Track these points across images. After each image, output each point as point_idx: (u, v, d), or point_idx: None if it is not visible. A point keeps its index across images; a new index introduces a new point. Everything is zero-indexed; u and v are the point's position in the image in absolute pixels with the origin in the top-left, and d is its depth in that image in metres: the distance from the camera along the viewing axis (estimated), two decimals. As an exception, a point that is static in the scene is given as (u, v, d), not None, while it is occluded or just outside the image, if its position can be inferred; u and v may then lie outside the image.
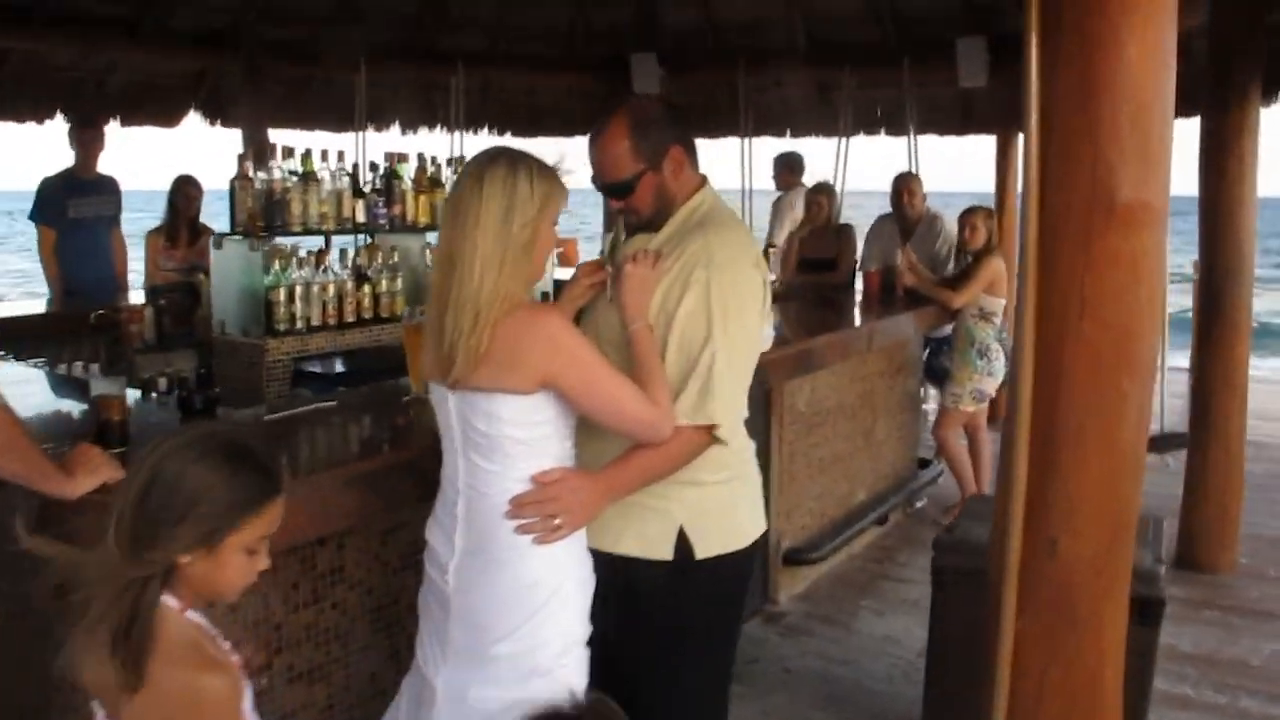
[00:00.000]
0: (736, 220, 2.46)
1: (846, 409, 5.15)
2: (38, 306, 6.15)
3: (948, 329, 5.83)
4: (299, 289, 4.52)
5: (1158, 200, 1.84)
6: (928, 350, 6.27)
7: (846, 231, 6.46)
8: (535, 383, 2.07)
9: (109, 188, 6.35)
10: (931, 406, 7.29)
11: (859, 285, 6.22)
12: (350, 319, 4.73)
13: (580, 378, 2.09)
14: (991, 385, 5.63)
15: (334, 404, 2.97)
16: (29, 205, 6.21)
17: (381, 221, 4.82)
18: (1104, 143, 1.78)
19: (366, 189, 4.79)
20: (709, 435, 2.24)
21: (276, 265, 4.33)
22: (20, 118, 7.58)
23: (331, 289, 4.65)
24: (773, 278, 6.79)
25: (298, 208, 4.50)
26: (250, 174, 4.33)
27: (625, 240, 2.52)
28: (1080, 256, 1.83)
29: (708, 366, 2.23)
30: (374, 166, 4.89)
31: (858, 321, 5.27)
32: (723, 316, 2.25)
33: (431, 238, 5.36)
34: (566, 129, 10.02)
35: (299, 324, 4.48)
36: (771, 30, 8.68)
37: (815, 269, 6.38)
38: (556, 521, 2.13)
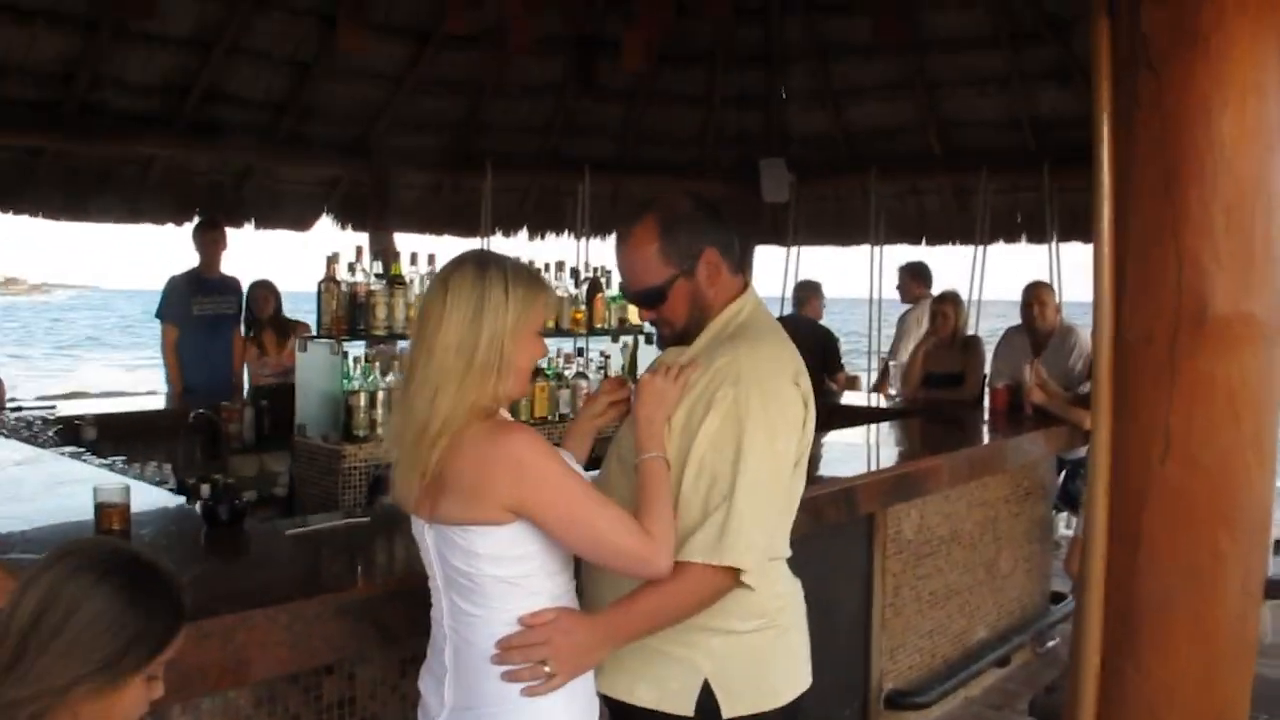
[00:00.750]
0: (777, 331, 2.19)
1: (964, 537, 4.70)
2: (156, 404, 6.25)
3: (1083, 450, 5.33)
4: (380, 394, 4.42)
5: (1264, 311, 1.48)
6: (1063, 474, 5.75)
7: (974, 344, 6.05)
8: (506, 511, 1.83)
9: (231, 287, 6.47)
10: (1067, 534, 6.72)
11: (988, 403, 5.80)
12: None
13: (552, 504, 1.82)
14: (1132, 515, 5.09)
15: (366, 520, 2.77)
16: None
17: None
18: (1191, 242, 1.44)
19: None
20: (730, 577, 1.94)
21: (360, 369, 4.21)
22: (161, 220, 7.86)
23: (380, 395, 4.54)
24: (894, 392, 6.45)
25: (382, 311, 4.41)
26: (336, 277, 4.25)
27: (661, 355, 2.28)
28: (1164, 383, 1.47)
29: (728, 498, 1.94)
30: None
31: (984, 441, 4.85)
32: (751, 441, 1.97)
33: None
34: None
35: (380, 430, 4.36)
36: (905, 135, 8.43)
37: (941, 384, 5.98)
38: (547, 669, 1.85)
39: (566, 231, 9.50)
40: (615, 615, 1.94)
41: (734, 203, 9.35)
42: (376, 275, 4.41)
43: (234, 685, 2.05)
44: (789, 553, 2.21)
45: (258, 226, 8.49)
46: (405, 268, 4.48)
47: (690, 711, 2.03)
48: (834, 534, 3.73)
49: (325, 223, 8.96)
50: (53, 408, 5.29)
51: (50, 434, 4.55)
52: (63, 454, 3.98)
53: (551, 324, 4.53)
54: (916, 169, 8.49)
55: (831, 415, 5.71)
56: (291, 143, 7.84)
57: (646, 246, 2.10)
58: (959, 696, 4.61)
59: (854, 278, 9.93)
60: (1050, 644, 5.41)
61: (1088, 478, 1.55)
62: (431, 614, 1.99)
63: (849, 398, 6.78)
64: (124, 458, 4.15)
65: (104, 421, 4.99)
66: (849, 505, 3.48)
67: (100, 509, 2.33)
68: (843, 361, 7.52)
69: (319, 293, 4.27)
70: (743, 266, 2.23)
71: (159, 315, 6.38)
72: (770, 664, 2.11)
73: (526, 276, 1.91)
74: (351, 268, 4.30)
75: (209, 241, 6.37)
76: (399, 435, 1.88)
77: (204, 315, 6.30)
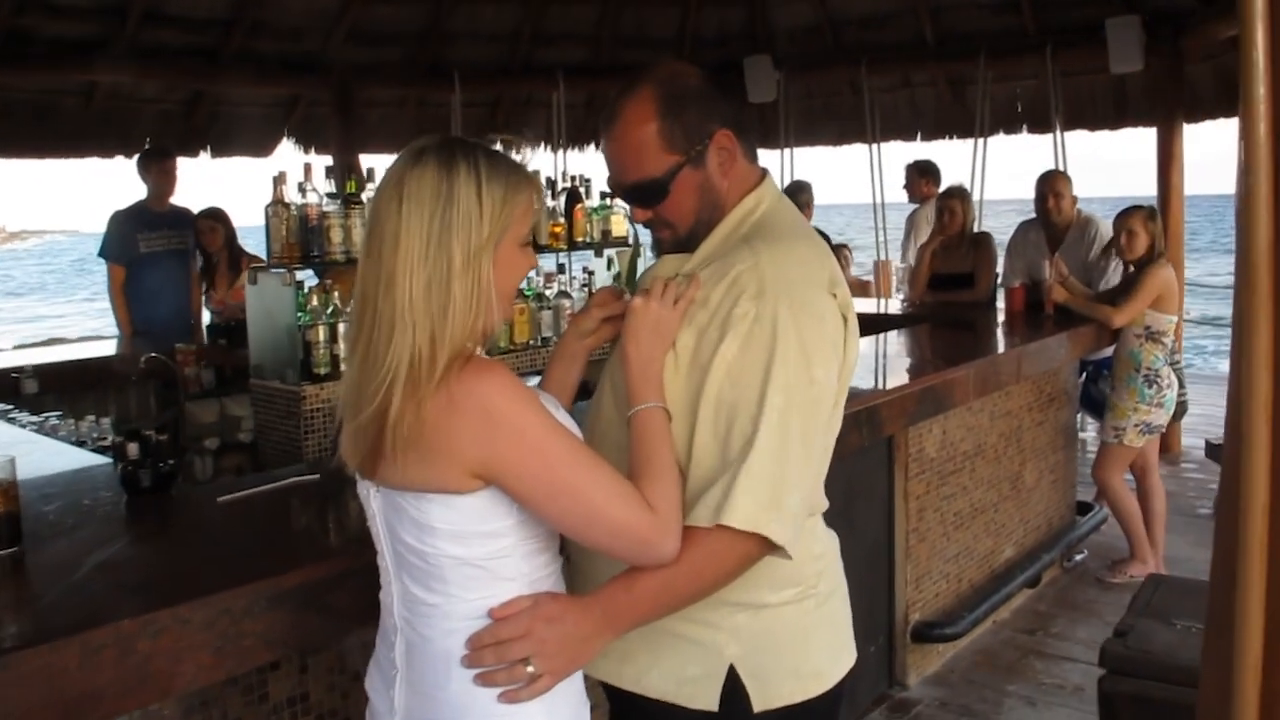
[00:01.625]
0: (804, 229, 1.74)
1: (988, 451, 4.33)
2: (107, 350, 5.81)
3: (1107, 351, 4.95)
4: (342, 327, 4.00)
5: None
6: (1083, 376, 5.37)
7: (985, 242, 5.61)
8: (471, 476, 1.41)
9: (184, 220, 5.94)
10: (1090, 435, 6.37)
11: (1000, 303, 5.39)
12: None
13: (531, 467, 1.40)
14: (1161, 417, 4.73)
15: (315, 478, 2.37)
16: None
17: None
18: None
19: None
20: (759, 543, 1.52)
21: (317, 299, 3.77)
22: (108, 153, 7.35)
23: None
24: (900, 297, 6.02)
25: (338, 234, 3.95)
26: (285, 199, 3.79)
27: (652, 264, 1.85)
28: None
29: (750, 443, 1.52)
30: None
31: (1000, 347, 4.45)
32: (780, 369, 1.54)
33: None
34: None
35: (344, 366, 3.94)
36: (895, 23, 7.88)
37: (950, 286, 5.56)
38: (530, 669, 1.46)
39: (541, 144, 8.99)
40: (614, 595, 1.53)
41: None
42: (329, 195, 3.97)
43: (141, 706, 1.66)
44: (826, 504, 1.82)
45: (214, 155, 7.99)
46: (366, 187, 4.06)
47: (714, 705, 1.64)
48: (852, 457, 3.34)
49: (286, 147, 8.43)
50: (-10, 357, 4.89)
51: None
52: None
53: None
54: (909, 59, 7.95)
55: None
56: (241, 62, 7.30)
57: (643, 127, 1.64)
58: (988, 621, 4.28)
59: (851, 179, 9.48)
60: (1078, 557, 5.08)
61: (1229, 408, 1.15)
62: (381, 598, 1.59)
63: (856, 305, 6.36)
64: (59, 413, 3.74)
65: (47, 372, 4.56)
66: (872, 427, 3.09)
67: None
68: (844, 265, 7.10)
69: (266, 218, 3.81)
70: (755, 151, 1.80)
71: (102, 254, 5.90)
72: (810, 640, 1.72)
73: (505, 169, 1.46)
74: (301, 188, 3.83)
75: (157, 172, 5.86)
76: (352, 384, 1.47)
77: (153, 252, 5.82)
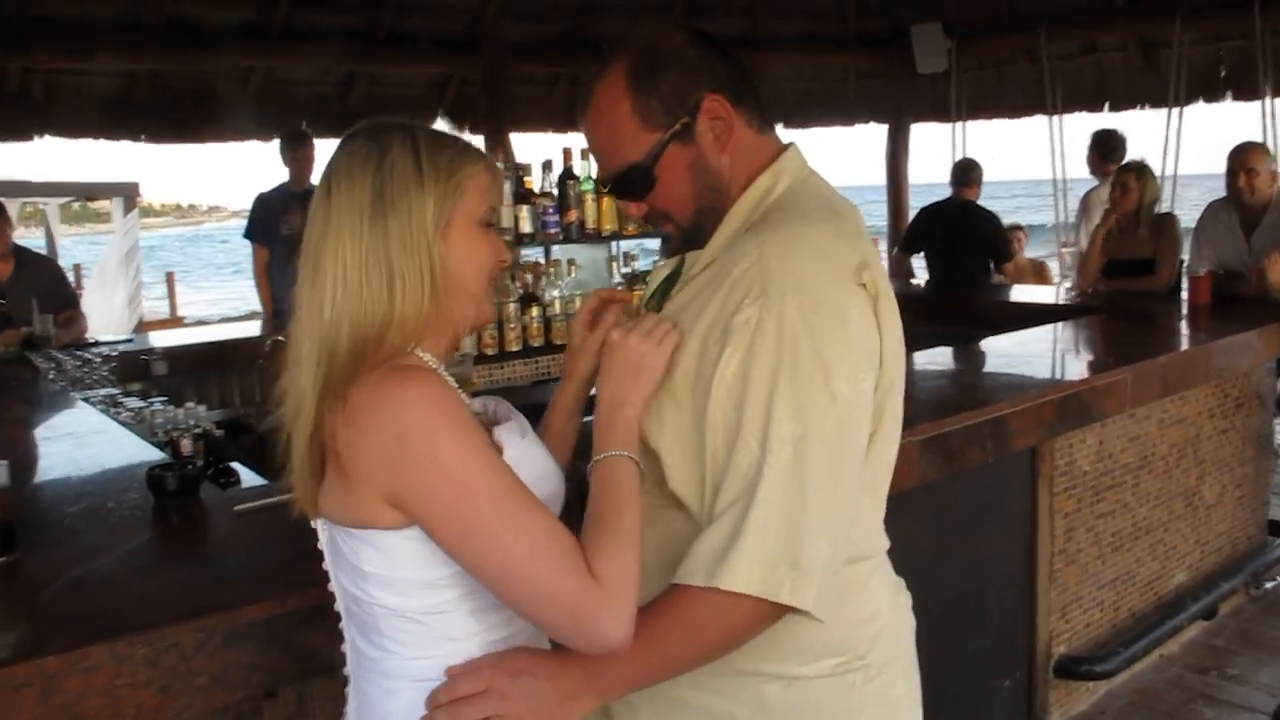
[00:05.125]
0: (827, 208, 1.41)
1: (1156, 463, 3.81)
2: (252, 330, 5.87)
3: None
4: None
5: None
6: (1282, 376, 4.73)
7: (1167, 224, 5.00)
8: (389, 508, 1.17)
9: (322, 203, 5.98)
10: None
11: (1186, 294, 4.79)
12: (514, 348, 4.01)
13: (440, 499, 1.15)
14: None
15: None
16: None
17: (553, 231, 4.04)
18: None
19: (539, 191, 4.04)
20: (771, 605, 1.22)
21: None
22: (266, 136, 7.47)
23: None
24: (1068, 285, 5.46)
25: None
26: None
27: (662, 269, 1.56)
28: None
29: (752, 487, 1.22)
30: (547, 166, 4.11)
31: (1184, 344, 3.92)
32: (790, 387, 1.23)
33: (623, 246, 4.55)
34: (844, 117, 8.96)
35: (456, 355, 3.79)
36: (1079, -17, 7.22)
37: (1126, 273, 4.99)
38: None
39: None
40: (613, 671, 1.26)
41: (885, 78, 8.39)
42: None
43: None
44: (884, 543, 1.50)
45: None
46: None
47: None
48: (982, 470, 2.95)
49: (441, 125, 8.43)
50: (129, 340, 4.96)
51: (103, 372, 4.15)
52: (95, 397, 3.54)
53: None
54: (1094, 23, 7.28)
55: (992, 317, 4.85)
56: (392, 42, 7.30)
57: (616, 105, 1.38)
58: (1152, 656, 3.78)
59: (1032, 154, 8.84)
60: (1269, 585, 4.47)
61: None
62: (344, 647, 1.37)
63: (1018, 293, 5.82)
64: (164, 398, 3.70)
65: (179, 354, 4.58)
66: (997, 440, 2.69)
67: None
68: (1014, 248, 6.55)
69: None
70: (770, 123, 1.48)
71: (247, 235, 5.98)
72: None
73: (450, 145, 1.27)
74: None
75: (296, 157, 5.90)
76: (289, 394, 1.24)
77: (293, 234, 5.85)
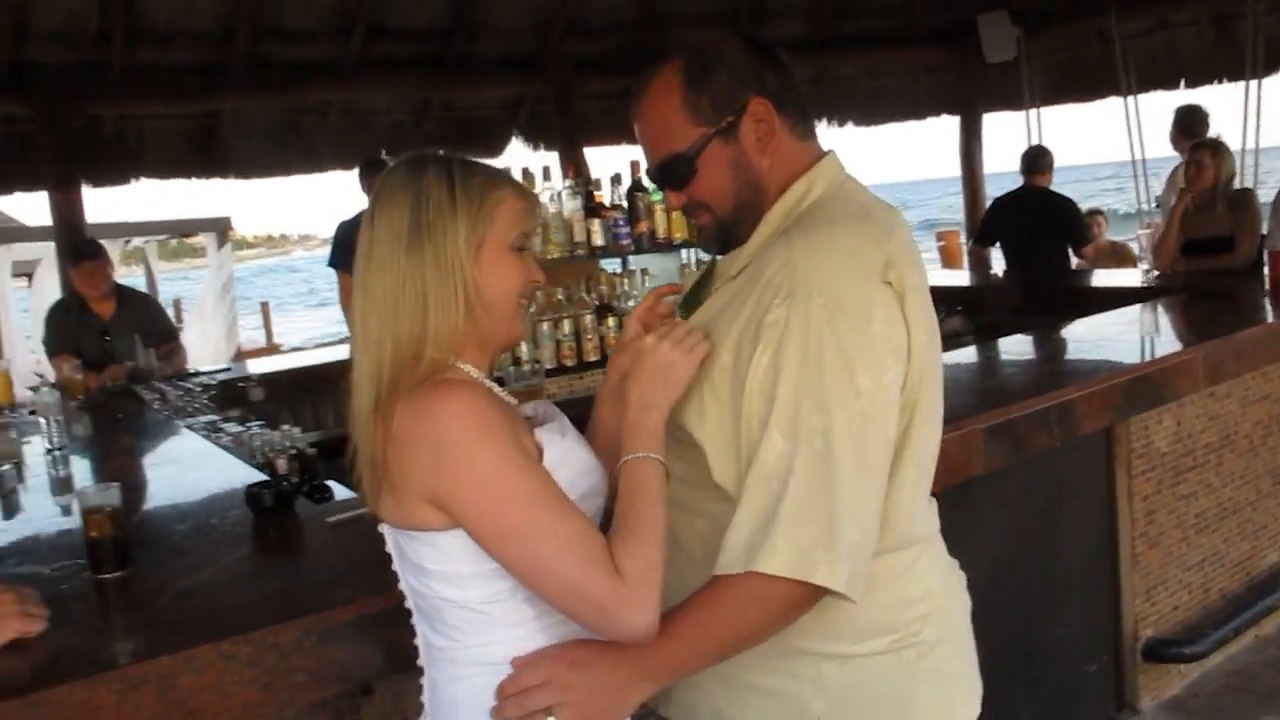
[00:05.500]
0: (855, 211, 1.47)
1: (1239, 442, 3.77)
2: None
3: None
4: (544, 326, 3.99)
5: None
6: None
7: (1245, 201, 4.92)
8: (436, 511, 1.28)
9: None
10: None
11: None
12: (592, 358, 4.12)
13: (476, 504, 1.25)
14: None
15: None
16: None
17: (625, 243, 4.16)
18: None
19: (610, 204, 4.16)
20: (805, 587, 1.30)
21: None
22: (348, 165, 7.72)
23: (567, 325, 4.07)
24: (1144, 266, 5.39)
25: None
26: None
27: (700, 272, 1.64)
28: None
29: (786, 475, 1.30)
30: (616, 180, 4.23)
31: (1267, 318, 3.86)
32: (816, 382, 1.31)
33: (692, 256, 4.64)
34: (915, 111, 8.94)
35: (526, 367, 3.93)
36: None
37: (1204, 251, 4.91)
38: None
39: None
40: (656, 642, 1.32)
41: (954, 70, 8.35)
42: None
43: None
44: (930, 529, 1.56)
45: (445, 159, 8.25)
46: (539, 183, 4.02)
47: None
48: (1056, 455, 2.97)
49: (516, 145, 8.62)
50: (227, 369, 5.19)
51: (203, 400, 4.37)
52: (197, 424, 3.74)
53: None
54: (1163, 0, 7.16)
55: (1071, 303, 4.82)
56: (463, 67, 7.49)
57: (668, 99, 1.48)
58: (1246, 637, 3.73)
59: (1108, 136, 8.72)
60: (1369, 562, 4.37)
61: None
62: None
63: (1098, 278, 5.76)
64: (261, 422, 3.89)
65: (273, 380, 4.79)
66: (1064, 425, 2.71)
67: (85, 515, 1.95)
68: (1092, 232, 6.48)
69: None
70: (812, 130, 1.56)
71: (331, 264, 6.18)
72: (911, 697, 1.47)
73: (482, 174, 1.38)
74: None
75: (372, 184, 6.09)
76: (354, 413, 1.36)
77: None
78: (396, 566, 1.42)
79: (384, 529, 1.42)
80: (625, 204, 4.17)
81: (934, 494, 1.57)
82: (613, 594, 1.23)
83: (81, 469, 3.12)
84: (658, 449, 1.36)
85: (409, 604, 1.44)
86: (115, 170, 6.90)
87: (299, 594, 1.82)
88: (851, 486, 1.31)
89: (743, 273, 1.48)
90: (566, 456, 1.35)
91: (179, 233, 14.75)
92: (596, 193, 4.17)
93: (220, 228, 12.78)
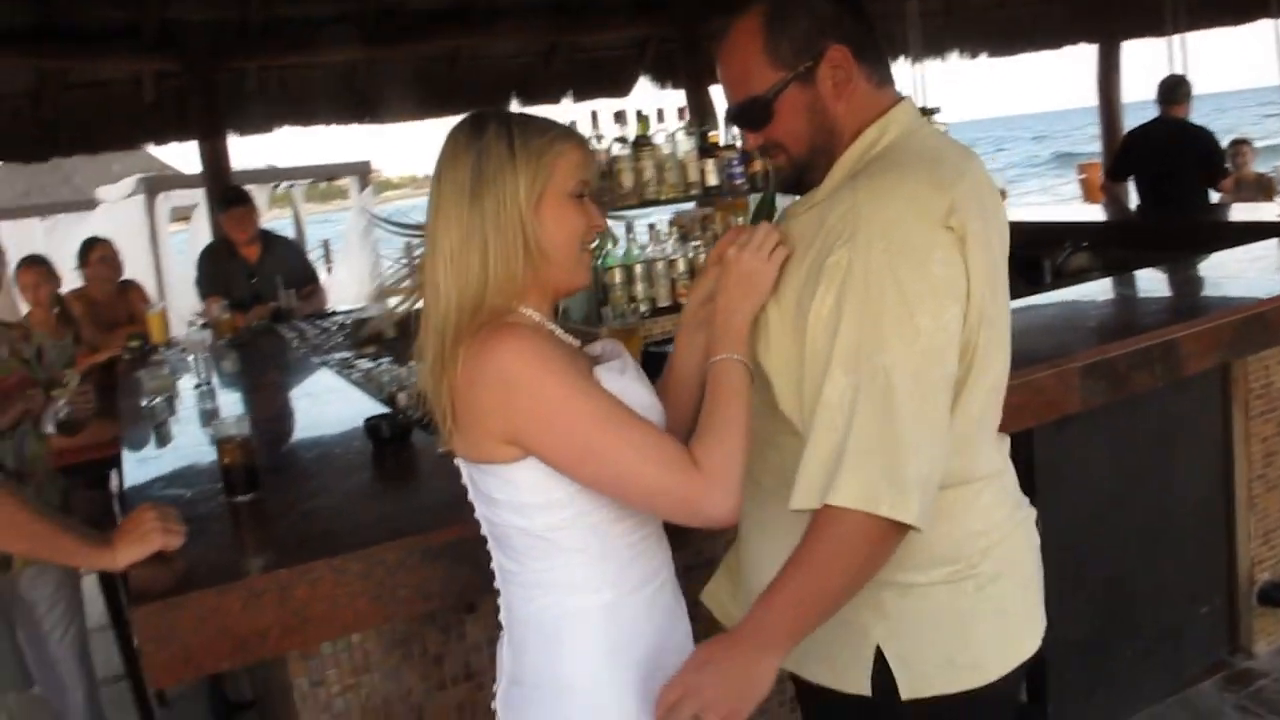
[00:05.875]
0: (925, 157, 1.49)
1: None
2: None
3: None
4: (639, 268, 4.08)
5: None
6: None
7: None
8: (506, 445, 1.39)
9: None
10: None
11: None
12: (707, 295, 4.20)
13: (552, 431, 1.35)
14: None
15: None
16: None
17: (739, 182, 4.21)
18: None
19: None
20: (881, 522, 1.35)
21: (608, 245, 3.91)
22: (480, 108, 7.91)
23: (681, 264, 4.15)
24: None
25: (629, 179, 4.03)
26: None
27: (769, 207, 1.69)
28: None
29: (851, 412, 1.38)
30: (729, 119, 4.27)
31: None
32: (876, 323, 1.37)
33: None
34: (1051, 40, 8.63)
35: (643, 307, 4.05)
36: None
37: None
38: None
39: (901, 57, 8.58)
40: (757, 619, 1.40)
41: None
42: (617, 139, 4.04)
43: (303, 645, 1.81)
44: (994, 465, 1.60)
45: (576, 99, 8.38)
46: (654, 126, 4.09)
47: (866, 690, 1.51)
48: (1167, 393, 2.93)
49: (644, 84, 8.68)
50: (363, 309, 5.44)
51: (339, 339, 4.61)
52: (332, 361, 3.97)
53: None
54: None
55: (1205, 238, 4.66)
56: (590, 8, 7.55)
57: (749, 42, 1.52)
58: (1373, 582, 3.62)
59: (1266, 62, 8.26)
60: None
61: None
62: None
63: (1237, 211, 5.53)
64: (390, 358, 4.09)
65: (405, 319, 4.98)
66: (1167, 364, 2.68)
67: (219, 444, 2.15)
68: (1233, 163, 6.21)
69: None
70: (889, 77, 1.60)
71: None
72: (969, 627, 1.52)
73: (540, 127, 1.45)
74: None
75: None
76: (421, 354, 1.48)
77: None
78: (471, 497, 1.53)
79: (459, 463, 1.53)
80: (739, 144, 4.21)
81: (1027, 429, 1.60)
82: (692, 486, 1.34)
83: (228, 402, 3.37)
84: (741, 351, 1.45)
85: (484, 531, 1.56)
86: (260, 119, 7.23)
87: (406, 517, 1.99)
88: (913, 422, 1.36)
89: (811, 214, 1.54)
90: (624, 392, 1.42)
91: (324, 177, 15.25)
92: (712, 133, 4.22)
93: (361, 171, 13.16)
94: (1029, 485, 1.71)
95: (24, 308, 5.09)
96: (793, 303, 1.48)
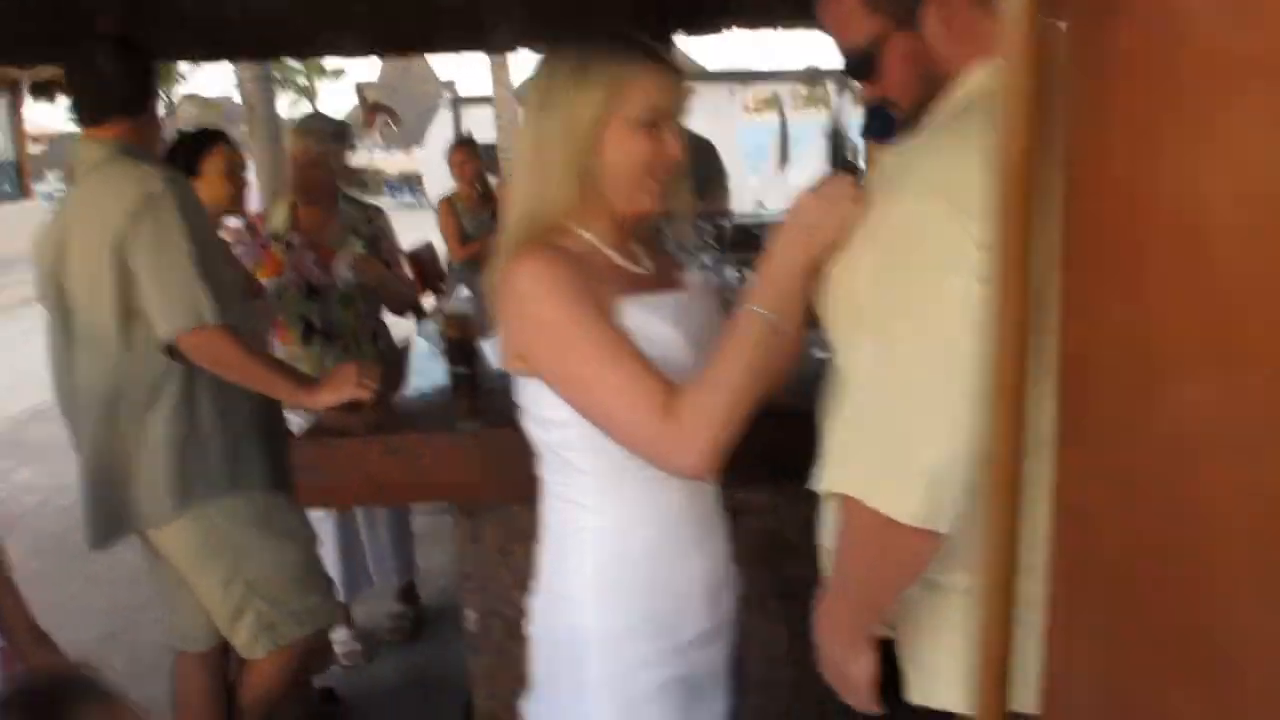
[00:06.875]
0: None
1: None
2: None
3: None
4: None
5: None
6: None
7: None
8: (521, 359, 1.46)
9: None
10: None
11: None
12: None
13: (548, 354, 1.40)
14: None
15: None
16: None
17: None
18: None
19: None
20: (879, 517, 1.18)
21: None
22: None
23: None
24: None
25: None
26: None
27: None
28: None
29: (855, 387, 1.24)
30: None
31: None
32: (891, 284, 1.21)
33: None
34: None
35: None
36: None
37: None
38: None
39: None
40: (827, 601, 1.36)
41: None
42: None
43: (425, 499, 2.04)
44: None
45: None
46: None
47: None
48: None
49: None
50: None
51: (709, 240, 4.78)
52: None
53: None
54: None
55: None
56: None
57: None
58: None
59: None
60: None
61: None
62: None
63: None
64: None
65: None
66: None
67: (445, 318, 2.42)
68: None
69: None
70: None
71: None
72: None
73: (623, 52, 1.43)
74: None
75: None
76: (496, 258, 1.55)
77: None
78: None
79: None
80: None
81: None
82: (661, 436, 1.32)
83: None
84: (770, 305, 1.32)
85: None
86: (707, 19, 7.47)
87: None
88: (927, 402, 1.17)
89: (896, 160, 1.39)
90: (643, 328, 1.41)
91: (809, 80, 15.48)
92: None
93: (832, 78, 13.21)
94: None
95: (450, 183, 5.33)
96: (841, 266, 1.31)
